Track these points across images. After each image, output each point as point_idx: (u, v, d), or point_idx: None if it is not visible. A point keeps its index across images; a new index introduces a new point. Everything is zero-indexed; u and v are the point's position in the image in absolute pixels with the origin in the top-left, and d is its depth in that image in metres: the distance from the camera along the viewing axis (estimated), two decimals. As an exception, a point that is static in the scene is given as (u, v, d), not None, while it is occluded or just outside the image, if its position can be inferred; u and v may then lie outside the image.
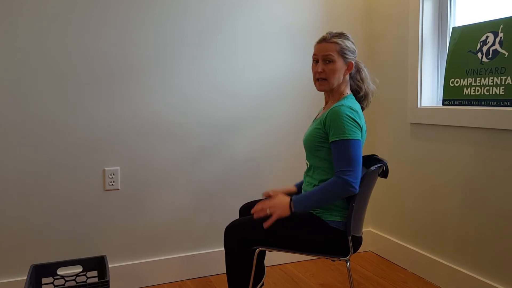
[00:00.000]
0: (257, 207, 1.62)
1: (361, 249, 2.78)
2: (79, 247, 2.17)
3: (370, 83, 1.76)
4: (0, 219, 2.02)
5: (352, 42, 1.70)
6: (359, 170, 1.56)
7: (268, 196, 1.82)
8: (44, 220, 2.09)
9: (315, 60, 1.71)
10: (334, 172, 1.59)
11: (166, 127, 2.27)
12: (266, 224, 1.58)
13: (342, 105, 1.59)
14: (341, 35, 1.68)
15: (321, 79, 1.69)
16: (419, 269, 2.39)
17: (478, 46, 2.03)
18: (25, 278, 2.08)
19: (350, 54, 1.68)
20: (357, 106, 1.66)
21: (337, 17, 2.60)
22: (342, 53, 1.66)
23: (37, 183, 2.06)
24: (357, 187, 1.55)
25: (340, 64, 1.66)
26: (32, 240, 2.08)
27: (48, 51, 2.03)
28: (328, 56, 1.65)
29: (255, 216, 1.60)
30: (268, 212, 1.59)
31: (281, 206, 1.59)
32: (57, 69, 2.06)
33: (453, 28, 2.18)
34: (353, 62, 1.70)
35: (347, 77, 1.72)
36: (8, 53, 1.97)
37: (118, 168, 2.20)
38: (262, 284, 1.83)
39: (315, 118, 1.78)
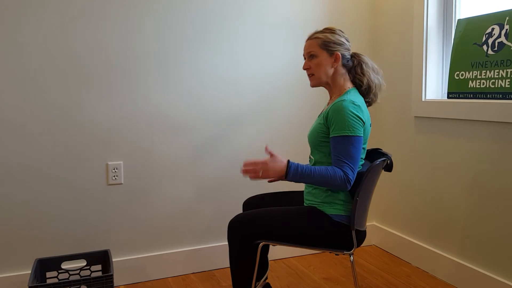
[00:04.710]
0: (248, 166, 1.55)
1: (365, 243, 2.78)
2: (83, 241, 2.17)
3: (372, 76, 1.71)
4: (5, 214, 2.03)
5: (339, 35, 1.69)
6: (357, 168, 1.57)
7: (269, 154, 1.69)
8: (48, 215, 2.10)
9: (305, 59, 1.76)
10: (335, 165, 1.57)
11: (169, 121, 2.27)
12: (270, 180, 1.64)
13: (344, 100, 1.58)
14: (325, 30, 1.71)
15: (310, 75, 1.73)
16: (423, 263, 2.38)
17: (484, 39, 2.01)
18: (30, 272, 2.09)
19: (336, 46, 1.68)
20: (360, 100, 1.64)
21: (341, 11, 2.58)
22: (325, 46, 1.68)
23: (41, 177, 2.07)
24: (351, 185, 1.57)
25: (324, 57, 1.68)
26: (36, 234, 2.09)
27: (52, 47, 2.03)
28: (310, 52, 1.71)
29: (244, 174, 1.56)
30: (260, 175, 1.55)
31: (275, 172, 1.55)
32: (61, 65, 2.05)
33: (458, 20, 2.16)
34: (340, 54, 1.68)
35: (341, 69, 1.71)
36: (12, 49, 1.97)
37: (121, 162, 2.20)
38: (266, 278, 1.83)
39: (320, 113, 1.77)
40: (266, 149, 1.59)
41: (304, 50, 1.74)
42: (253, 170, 1.55)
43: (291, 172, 1.55)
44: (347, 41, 1.72)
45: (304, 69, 1.74)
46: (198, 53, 2.29)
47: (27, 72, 2.00)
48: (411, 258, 2.47)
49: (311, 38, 1.71)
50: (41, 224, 2.09)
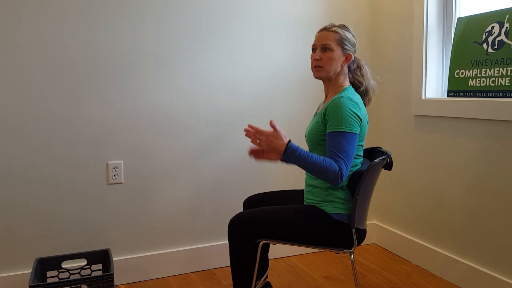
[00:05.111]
0: (251, 132, 1.57)
1: (365, 242, 2.78)
2: (84, 240, 2.17)
3: (370, 80, 1.76)
4: (5, 213, 2.03)
5: (353, 35, 1.72)
6: (351, 164, 1.58)
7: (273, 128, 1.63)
8: (49, 214, 2.10)
9: (314, 49, 1.72)
10: (330, 156, 1.56)
11: (169, 120, 2.27)
12: (256, 158, 1.67)
13: (342, 97, 1.60)
14: (342, 26, 1.71)
15: (318, 66, 1.69)
16: (423, 261, 2.38)
17: (484, 37, 2.01)
18: (30, 271, 2.09)
19: (350, 46, 1.69)
20: (357, 97, 1.65)
21: (341, 9, 2.58)
22: (341, 43, 1.67)
23: (41, 177, 2.07)
24: (343, 181, 1.56)
25: (338, 53, 1.67)
26: (37, 234, 2.09)
27: (52, 47, 2.03)
28: (327, 44, 1.67)
29: (247, 134, 1.58)
30: (257, 142, 1.56)
31: (274, 147, 1.54)
32: (61, 65, 2.05)
33: (458, 18, 2.16)
34: (352, 54, 1.70)
35: (346, 69, 1.73)
36: (12, 49, 1.97)
37: (122, 161, 2.20)
38: (266, 277, 1.83)
39: (316, 113, 1.77)
40: (271, 122, 1.57)
41: (319, 40, 1.69)
42: (254, 137, 1.57)
43: (289, 150, 1.53)
44: (356, 43, 1.74)
45: (315, 59, 1.68)
46: (198, 53, 2.29)
47: (27, 72, 2.01)
48: (411, 256, 2.47)
49: (328, 29, 1.68)
50: (41, 223, 2.09)
